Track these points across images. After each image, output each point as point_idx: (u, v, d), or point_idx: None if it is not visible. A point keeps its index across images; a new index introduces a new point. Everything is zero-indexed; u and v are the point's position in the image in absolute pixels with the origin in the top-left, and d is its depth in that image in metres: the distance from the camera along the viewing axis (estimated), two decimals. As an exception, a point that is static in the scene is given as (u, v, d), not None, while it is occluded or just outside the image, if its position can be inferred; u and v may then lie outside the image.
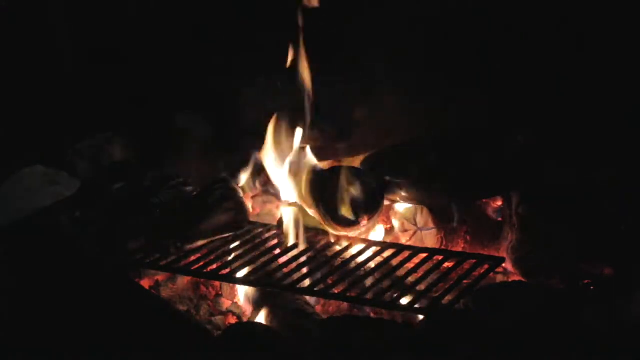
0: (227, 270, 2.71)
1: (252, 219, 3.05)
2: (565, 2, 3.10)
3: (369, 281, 2.61)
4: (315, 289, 2.58)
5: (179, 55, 3.61)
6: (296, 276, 2.64)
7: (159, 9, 3.65)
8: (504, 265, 2.81)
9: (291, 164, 3.06)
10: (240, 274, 2.69)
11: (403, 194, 2.97)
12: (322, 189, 2.94)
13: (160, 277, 2.88)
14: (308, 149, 3.06)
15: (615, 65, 3.07)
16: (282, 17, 3.16)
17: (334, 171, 3.01)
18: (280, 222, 2.95)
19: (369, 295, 2.53)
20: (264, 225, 3.02)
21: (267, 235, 2.94)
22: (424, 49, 3.17)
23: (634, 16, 3.04)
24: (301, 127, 3.06)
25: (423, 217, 2.99)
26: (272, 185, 3.17)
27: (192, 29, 3.59)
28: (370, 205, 2.88)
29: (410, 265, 2.71)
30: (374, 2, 3.22)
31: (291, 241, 2.84)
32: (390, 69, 3.17)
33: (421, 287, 2.58)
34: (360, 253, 2.79)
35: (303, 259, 2.75)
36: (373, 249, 2.83)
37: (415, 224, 3.01)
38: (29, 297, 2.49)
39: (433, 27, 3.20)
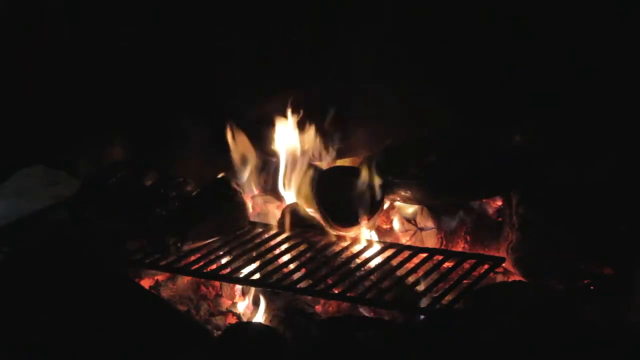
0: (227, 270, 2.71)
1: (252, 219, 3.05)
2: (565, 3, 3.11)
3: (368, 281, 2.61)
4: (315, 289, 2.58)
5: (180, 55, 3.61)
6: (296, 276, 2.64)
7: (160, 10, 3.65)
8: (504, 265, 2.81)
9: (291, 164, 3.07)
10: (240, 274, 2.70)
11: (403, 194, 2.97)
12: (322, 189, 2.95)
13: (160, 277, 2.88)
14: (309, 149, 3.07)
15: (614, 65, 3.07)
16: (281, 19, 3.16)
17: (334, 171, 3.01)
18: (280, 221, 2.95)
19: (369, 295, 2.53)
20: (264, 225, 3.02)
21: (267, 235, 2.94)
22: (424, 49, 3.17)
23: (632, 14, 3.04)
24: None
25: (423, 217, 2.99)
26: (272, 185, 3.17)
27: (192, 29, 3.59)
28: (370, 205, 2.88)
29: (410, 265, 2.71)
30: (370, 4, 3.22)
31: (289, 237, 2.86)
32: (389, 70, 3.17)
33: (421, 287, 2.58)
34: (360, 253, 2.79)
35: (303, 259, 2.76)
36: (373, 249, 2.83)
37: (415, 224, 3.01)
38: (28, 297, 2.49)
39: (433, 28, 3.20)
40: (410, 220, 3.02)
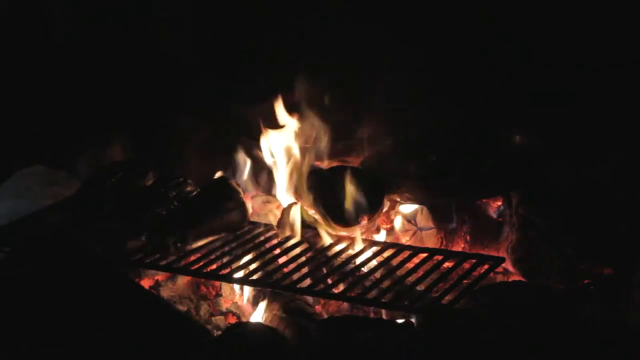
0: (227, 270, 2.71)
1: (252, 219, 3.05)
2: (565, 4, 3.11)
3: (368, 281, 2.61)
4: (315, 289, 2.58)
5: (179, 55, 3.62)
6: (296, 276, 2.64)
7: (160, 11, 3.66)
8: (504, 265, 2.81)
9: (291, 164, 3.07)
10: (240, 274, 2.70)
11: (403, 194, 2.97)
12: (322, 189, 2.95)
13: (160, 277, 2.88)
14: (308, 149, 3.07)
15: (614, 65, 3.07)
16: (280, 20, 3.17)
17: (334, 171, 3.01)
18: (280, 221, 2.95)
19: (369, 295, 2.53)
20: (264, 225, 3.02)
21: (267, 235, 2.94)
22: (425, 50, 3.17)
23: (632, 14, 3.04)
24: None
25: (423, 217, 2.99)
26: (273, 185, 3.17)
27: (192, 30, 3.59)
28: (370, 205, 2.88)
29: (410, 265, 2.71)
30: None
31: (289, 237, 2.86)
32: (390, 70, 3.17)
33: (421, 287, 2.58)
34: (360, 253, 2.79)
35: (303, 259, 2.76)
36: (373, 249, 2.83)
37: (415, 224, 3.01)
38: (28, 297, 2.49)
39: (433, 28, 3.20)
40: (410, 220, 3.02)
